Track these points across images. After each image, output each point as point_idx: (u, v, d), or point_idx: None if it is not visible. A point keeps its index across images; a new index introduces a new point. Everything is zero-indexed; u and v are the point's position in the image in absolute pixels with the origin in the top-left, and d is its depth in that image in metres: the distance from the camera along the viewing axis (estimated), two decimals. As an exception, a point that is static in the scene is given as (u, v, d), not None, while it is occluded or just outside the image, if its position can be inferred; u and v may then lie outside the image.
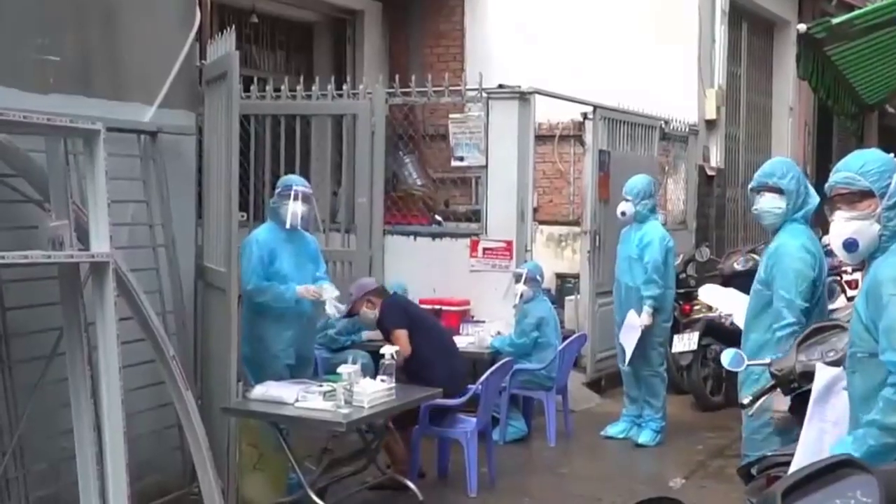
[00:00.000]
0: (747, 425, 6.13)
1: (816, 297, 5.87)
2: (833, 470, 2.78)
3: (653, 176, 10.22)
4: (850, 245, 4.11)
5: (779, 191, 6.01)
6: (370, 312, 8.08)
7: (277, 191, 7.76)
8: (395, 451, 7.80)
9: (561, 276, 13.09)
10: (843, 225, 4.11)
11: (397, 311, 8.10)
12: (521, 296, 9.24)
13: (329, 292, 7.69)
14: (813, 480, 2.76)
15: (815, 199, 5.95)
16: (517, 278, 9.24)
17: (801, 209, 5.99)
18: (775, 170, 6.11)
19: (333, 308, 7.74)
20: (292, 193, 7.59)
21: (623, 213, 9.39)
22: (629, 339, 9.20)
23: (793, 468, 4.92)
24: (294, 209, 7.61)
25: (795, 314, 5.81)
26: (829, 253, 5.45)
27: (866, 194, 4.07)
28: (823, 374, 4.62)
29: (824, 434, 4.53)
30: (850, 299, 10.40)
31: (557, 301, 12.23)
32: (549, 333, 9.30)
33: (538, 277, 9.48)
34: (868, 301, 3.98)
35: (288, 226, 7.59)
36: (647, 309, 9.11)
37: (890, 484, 2.69)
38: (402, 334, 7.89)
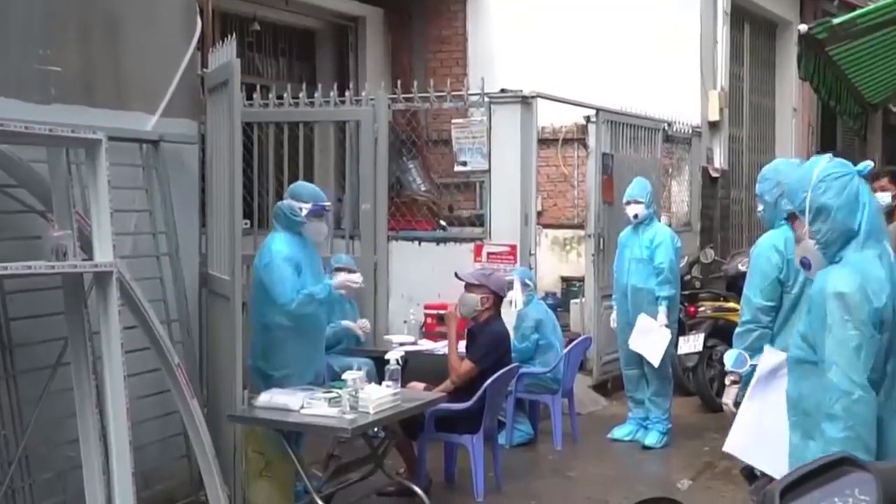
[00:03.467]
0: None
1: (793, 299, 5.75)
2: (831, 468, 2.78)
3: (656, 178, 10.24)
4: (804, 264, 4.27)
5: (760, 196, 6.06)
6: (474, 301, 8.04)
7: (308, 206, 7.26)
8: (409, 456, 7.80)
9: (566, 280, 13.11)
10: (797, 246, 4.29)
11: (492, 348, 7.93)
12: (516, 303, 9.24)
13: (358, 276, 7.74)
14: (811, 479, 2.76)
15: None
16: (509, 286, 9.21)
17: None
18: (761, 175, 6.12)
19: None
20: (325, 215, 7.50)
21: (636, 216, 9.38)
22: (650, 343, 9.19)
23: (728, 444, 5.06)
24: (323, 229, 7.53)
25: (751, 312, 5.70)
26: None
27: (794, 215, 4.22)
28: (769, 358, 4.86)
29: (762, 414, 4.78)
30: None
31: (563, 304, 12.26)
32: (548, 334, 9.31)
33: (528, 282, 9.50)
34: (812, 310, 4.07)
35: (315, 244, 7.46)
36: (662, 309, 9.13)
37: (888, 482, 2.69)
38: (471, 369, 7.82)
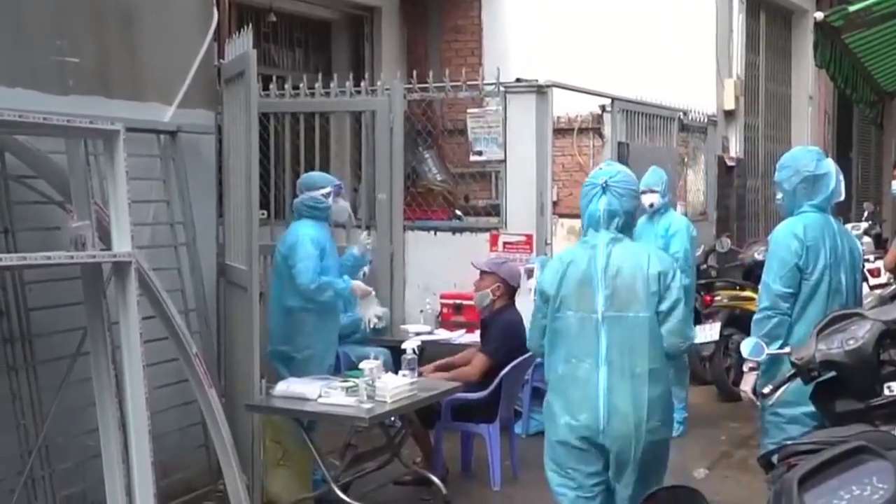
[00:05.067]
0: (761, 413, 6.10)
1: (812, 286, 5.77)
2: (849, 456, 2.79)
3: (671, 167, 10.22)
4: None
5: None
6: (487, 297, 8.06)
7: (327, 190, 7.62)
8: (426, 445, 7.82)
9: (582, 269, 13.07)
10: None
11: (505, 339, 7.91)
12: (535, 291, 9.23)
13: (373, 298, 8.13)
14: (829, 467, 2.77)
15: (828, 187, 5.91)
16: (528, 274, 9.22)
17: (812, 198, 5.92)
18: (780, 163, 6.13)
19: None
20: (342, 192, 7.77)
21: (651, 205, 9.37)
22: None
23: None
24: (347, 207, 7.92)
25: (770, 299, 5.73)
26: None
27: None
28: None
29: None
30: (872, 287, 10.38)
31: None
32: (566, 324, 9.29)
33: None
34: None
35: (342, 222, 7.74)
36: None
37: (907, 470, 2.70)
38: (485, 363, 7.84)
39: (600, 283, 5.10)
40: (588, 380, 5.06)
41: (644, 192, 9.37)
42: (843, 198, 6.02)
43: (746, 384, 5.76)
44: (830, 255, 5.79)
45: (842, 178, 5.99)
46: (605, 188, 5.25)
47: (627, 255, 5.16)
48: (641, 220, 9.53)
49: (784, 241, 5.78)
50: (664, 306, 5.12)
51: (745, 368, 5.81)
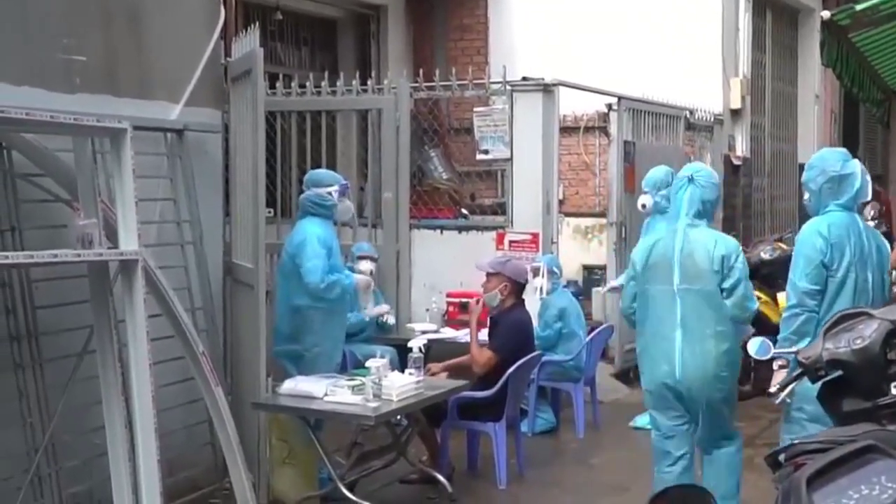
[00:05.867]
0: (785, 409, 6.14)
1: (838, 283, 5.83)
2: (858, 455, 2.78)
3: (677, 165, 10.17)
4: None
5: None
6: (495, 296, 8.04)
7: (334, 188, 7.56)
8: (432, 444, 7.82)
9: (588, 268, 13.10)
10: None
11: (512, 336, 7.95)
12: (541, 290, 9.26)
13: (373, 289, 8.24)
14: (838, 466, 2.77)
15: (853, 187, 5.95)
16: (535, 272, 9.23)
17: (838, 197, 5.96)
18: (808, 164, 6.19)
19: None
20: (348, 192, 7.77)
21: (643, 206, 9.41)
22: None
23: None
24: (352, 207, 7.93)
25: (797, 296, 5.82)
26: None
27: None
28: None
29: None
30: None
31: (584, 293, 12.24)
32: (572, 323, 9.32)
33: (555, 269, 9.49)
34: None
35: (346, 221, 7.79)
36: None
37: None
38: (491, 358, 7.84)
39: (676, 261, 6.15)
40: (668, 338, 6.17)
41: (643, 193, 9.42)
42: (869, 198, 6.20)
43: (776, 380, 5.78)
44: (856, 253, 5.88)
45: (868, 178, 6.07)
46: (690, 180, 6.26)
47: (699, 239, 6.17)
48: (647, 220, 9.51)
49: (809, 240, 5.89)
50: (727, 284, 6.09)
51: (774, 366, 5.87)
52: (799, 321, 5.77)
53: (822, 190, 5.96)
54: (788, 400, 5.49)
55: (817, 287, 5.80)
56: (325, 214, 7.52)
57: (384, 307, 9.32)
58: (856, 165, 6.02)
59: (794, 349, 5.26)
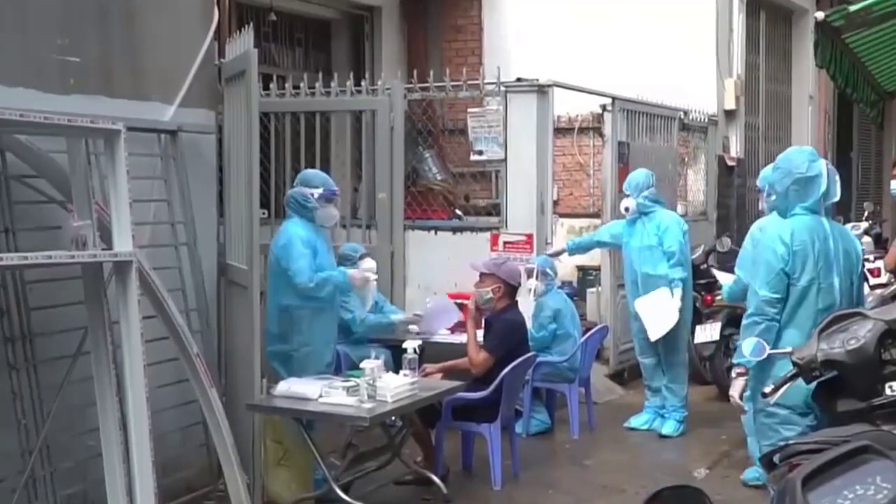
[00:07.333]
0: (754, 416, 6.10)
1: (800, 290, 5.74)
2: (853, 456, 2.79)
3: (672, 166, 10.23)
4: None
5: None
6: (486, 293, 8.05)
7: (319, 191, 7.55)
8: (427, 445, 7.82)
9: (582, 269, 13.08)
10: None
11: (506, 336, 7.97)
12: (535, 291, 9.26)
13: (372, 274, 8.14)
14: (833, 467, 2.77)
15: (819, 188, 5.89)
16: (528, 274, 9.24)
17: (804, 200, 5.90)
18: (775, 164, 6.15)
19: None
20: (336, 199, 7.73)
21: (626, 209, 9.44)
22: (656, 315, 9.17)
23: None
24: (335, 214, 7.80)
25: (756, 305, 5.76)
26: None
27: None
28: None
29: None
30: (872, 287, 10.37)
31: (579, 294, 12.24)
32: (567, 324, 9.32)
33: (549, 270, 9.49)
34: None
35: (328, 228, 7.73)
36: (677, 291, 9.13)
37: (910, 469, 2.70)
38: (486, 359, 7.84)
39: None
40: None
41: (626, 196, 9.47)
42: (837, 198, 5.99)
43: (735, 389, 5.79)
44: (820, 259, 5.78)
45: (837, 178, 5.95)
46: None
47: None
48: (631, 221, 9.51)
49: (771, 246, 5.80)
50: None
51: (733, 374, 5.84)
52: (758, 329, 5.68)
53: (789, 192, 5.87)
54: (772, 403, 5.48)
55: (777, 295, 5.72)
56: (306, 215, 7.53)
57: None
58: (822, 166, 5.90)
59: (788, 349, 5.27)
